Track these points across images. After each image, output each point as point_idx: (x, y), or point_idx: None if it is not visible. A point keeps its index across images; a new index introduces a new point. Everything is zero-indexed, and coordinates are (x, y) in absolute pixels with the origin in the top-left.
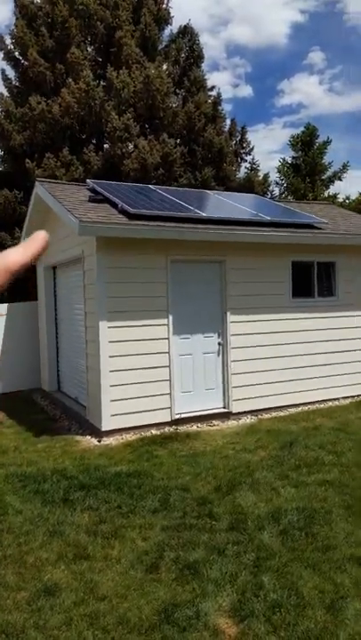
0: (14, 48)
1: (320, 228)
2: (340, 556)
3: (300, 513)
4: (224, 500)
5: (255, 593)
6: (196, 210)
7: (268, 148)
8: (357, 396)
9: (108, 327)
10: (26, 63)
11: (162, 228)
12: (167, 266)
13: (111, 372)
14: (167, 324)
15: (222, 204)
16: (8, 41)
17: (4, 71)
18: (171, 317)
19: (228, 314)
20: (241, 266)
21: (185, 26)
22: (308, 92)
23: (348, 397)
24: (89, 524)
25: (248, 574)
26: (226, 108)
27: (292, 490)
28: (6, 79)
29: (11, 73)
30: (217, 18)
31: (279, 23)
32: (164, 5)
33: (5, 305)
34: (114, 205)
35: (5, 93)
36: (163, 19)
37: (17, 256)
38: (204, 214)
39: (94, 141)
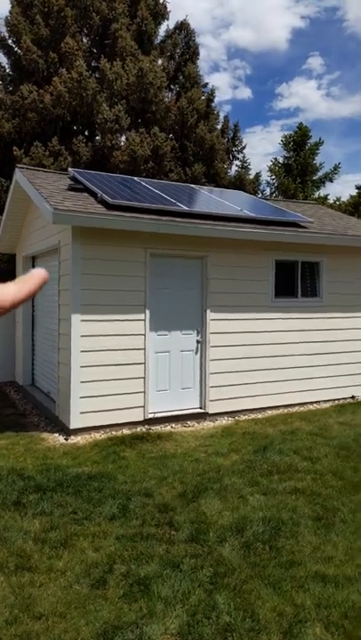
0: (8, 36)
1: (305, 227)
2: (303, 574)
3: (266, 524)
4: (188, 507)
5: (207, 614)
6: (179, 203)
7: (265, 150)
8: (339, 399)
9: (81, 320)
10: (19, 51)
11: (139, 220)
12: (146, 259)
13: (82, 367)
14: (144, 320)
15: (208, 199)
16: (2, 28)
17: None
18: (148, 313)
19: (209, 311)
20: (223, 262)
21: (182, 22)
22: (306, 96)
23: (329, 401)
24: (38, 531)
25: (202, 593)
26: (225, 108)
27: (260, 498)
28: (0, 67)
29: (4, 60)
30: (219, 20)
31: (280, 28)
32: (161, 0)
33: None
34: (93, 195)
35: None
36: (159, 13)
37: (11, 293)
38: (185, 208)
39: (85, 132)
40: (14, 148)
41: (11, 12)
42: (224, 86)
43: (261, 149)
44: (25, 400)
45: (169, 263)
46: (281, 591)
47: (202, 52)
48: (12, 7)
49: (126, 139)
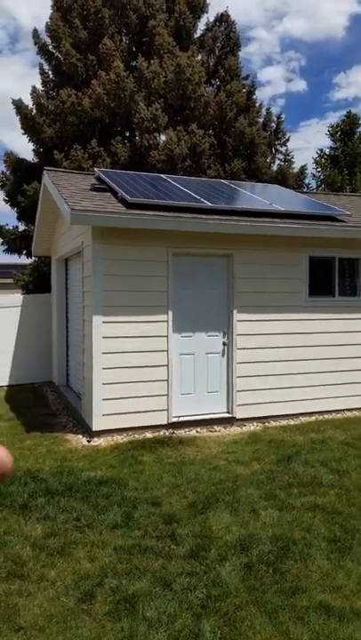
0: (49, 42)
1: (342, 221)
2: (306, 603)
3: (274, 543)
4: (195, 519)
5: None
6: (203, 200)
7: (321, 144)
8: None
9: (103, 322)
10: (60, 56)
11: (159, 218)
12: (168, 259)
13: (104, 369)
14: (167, 321)
15: (238, 194)
16: (43, 34)
17: (41, 65)
18: (171, 314)
19: (235, 312)
20: (250, 260)
21: (222, 14)
22: None
23: None
24: (39, 537)
25: (190, 617)
26: (278, 102)
27: (274, 513)
28: (43, 73)
29: (46, 67)
30: (271, 11)
31: (337, 14)
32: None
33: (20, 296)
34: (115, 194)
35: (40, 87)
36: (198, 7)
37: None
38: (209, 204)
39: (124, 133)
40: (55, 151)
41: (51, 18)
42: (278, 80)
43: (317, 143)
44: (59, 400)
45: (193, 262)
46: (277, 622)
47: (254, 45)
48: (53, 13)
49: (165, 138)
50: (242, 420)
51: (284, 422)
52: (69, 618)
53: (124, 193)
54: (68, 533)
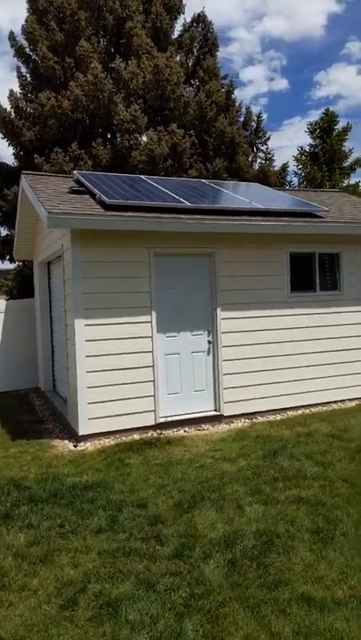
0: (26, 44)
1: (321, 217)
2: (288, 595)
3: (258, 538)
4: (180, 518)
5: None
6: (182, 200)
7: (304, 141)
8: None
9: (85, 325)
10: (37, 59)
11: (137, 219)
12: (150, 259)
13: (88, 372)
14: (151, 322)
15: (217, 193)
16: (20, 37)
17: (19, 68)
18: (155, 314)
19: (219, 310)
20: (232, 258)
21: (198, 14)
22: (346, 82)
23: (353, 399)
24: (21, 546)
25: (172, 617)
26: (261, 101)
27: (259, 508)
28: (21, 76)
29: (25, 70)
30: (251, 12)
31: (315, 14)
32: None
33: (3, 302)
34: (93, 196)
35: (18, 90)
36: (175, 8)
37: None
38: (188, 204)
39: (107, 135)
40: (35, 155)
41: (27, 21)
42: (260, 79)
43: (300, 140)
44: (45, 406)
45: (175, 262)
46: (259, 616)
47: (235, 45)
48: (28, 16)
49: (146, 138)
50: (229, 417)
51: (271, 417)
52: (51, 626)
53: (102, 195)
54: (52, 540)
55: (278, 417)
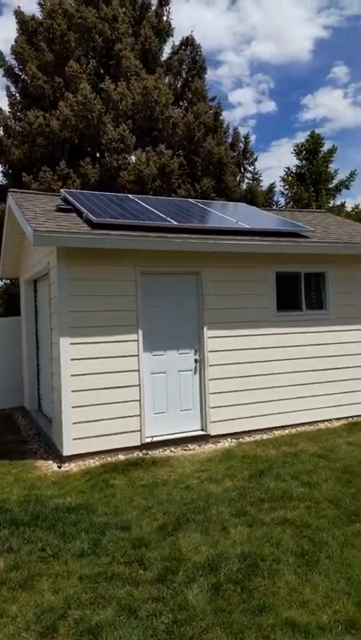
0: (15, 64)
1: (306, 237)
2: (272, 621)
3: (242, 561)
4: (164, 541)
5: None
6: (169, 219)
7: (291, 162)
8: (353, 417)
9: (70, 343)
10: (26, 78)
11: (125, 238)
12: (136, 278)
13: (73, 392)
14: (137, 340)
15: (204, 213)
16: (9, 57)
17: (8, 88)
18: (141, 333)
19: (206, 329)
20: (219, 277)
21: (187, 37)
22: (333, 105)
23: (340, 419)
24: (1, 571)
25: None
26: (249, 123)
27: (244, 530)
28: (11, 95)
29: (14, 89)
30: (240, 35)
31: (302, 39)
32: (165, 18)
33: None
34: (80, 214)
35: (7, 109)
36: (164, 31)
37: None
38: (175, 223)
39: (96, 154)
40: (23, 173)
41: (16, 41)
42: (248, 101)
43: (288, 161)
44: (30, 426)
45: (162, 280)
46: None
47: (224, 68)
48: (18, 36)
49: (134, 158)
50: (216, 436)
51: (258, 437)
52: None
53: (88, 213)
54: (32, 565)
55: (265, 436)
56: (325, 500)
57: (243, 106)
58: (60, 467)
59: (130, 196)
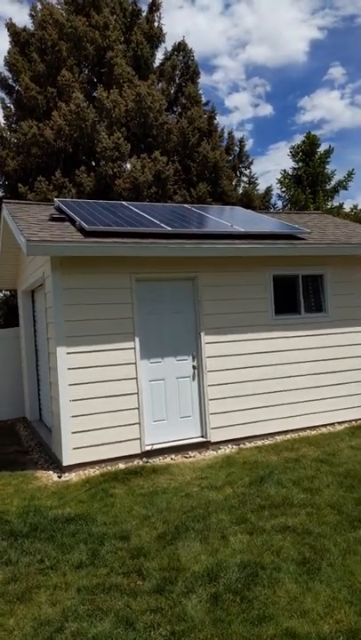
0: (9, 76)
1: (302, 239)
2: (273, 631)
3: (242, 570)
4: (163, 551)
5: None
6: (163, 225)
7: (290, 165)
8: (355, 420)
9: (67, 353)
10: (20, 89)
11: (118, 245)
12: (132, 285)
13: (72, 401)
14: (134, 348)
15: (199, 217)
16: (2, 69)
17: (3, 99)
18: (138, 340)
19: (203, 334)
20: (215, 282)
21: (179, 43)
22: (330, 106)
23: (343, 422)
24: None
25: None
26: (246, 127)
27: (244, 538)
28: (5, 107)
29: (8, 101)
30: (235, 40)
31: (298, 41)
32: (157, 24)
33: None
34: (73, 223)
35: (2, 120)
36: (155, 37)
37: None
38: (169, 228)
39: (91, 163)
40: (19, 184)
41: (9, 52)
42: (245, 105)
43: (285, 165)
44: (31, 436)
45: (157, 287)
46: None
47: (220, 73)
48: (11, 47)
49: (129, 166)
50: (217, 443)
51: (259, 443)
52: None
53: (81, 221)
54: (30, 577)
55: (266, 442)
56: (327, 506)
57: (239, 110)
58: (60, 477)
59: (124, 203)
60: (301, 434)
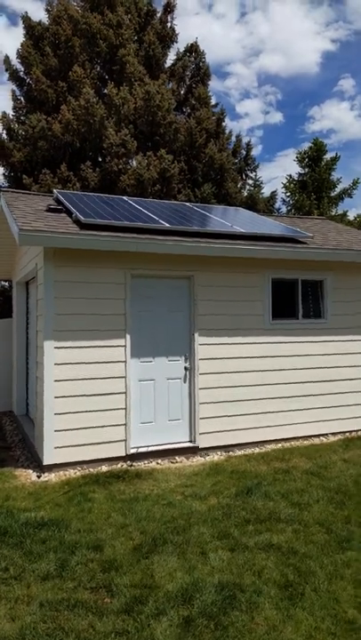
0: (21, 68)
1: (304, 243)
2: None
3: (219, 592)
4: (137, 565)
5: None
6: (161, 221)
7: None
8: (350, 431)
9: (55, 347)
10: (30, 82)
11: (114, 239)
12: (126, 281)
13: (56, 398)
14: (125, 346)
15: (199, 216)
16: (15, 61)
17: (13, 91)
18: (129, 338)
19: (197, 335)
20: (212, 282)
21: (191, 44)
22: (339, 117)
23: (337, 433)
24: None
25: None
26: (256, 133)
27: (225, 555)
28: (16, 99)
29: (19, 93)
30: (249, 48)
31: (310, 52)
32: (170, 25)
33: None
34: (70, 215)
35: (11, 112)
36: (167, 37)
37: None
38: (167, 225)
39: (98, 158)
40: (24, 176)
41: (22, 45)
42: (255, 112)
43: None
44: (16, 432)
45: (153, 284)
46: None
47: (232, 80)
48: (24, 40)
49: (135, 163)
50: (205, 449)
51: (249, 451)
52: None
53: (78, 213)
54: None
55: (257, 450)
56: (315, 524)
57: (250, 116)
58: (39, 476)
59: (124, 197)
60: (294, 443)
